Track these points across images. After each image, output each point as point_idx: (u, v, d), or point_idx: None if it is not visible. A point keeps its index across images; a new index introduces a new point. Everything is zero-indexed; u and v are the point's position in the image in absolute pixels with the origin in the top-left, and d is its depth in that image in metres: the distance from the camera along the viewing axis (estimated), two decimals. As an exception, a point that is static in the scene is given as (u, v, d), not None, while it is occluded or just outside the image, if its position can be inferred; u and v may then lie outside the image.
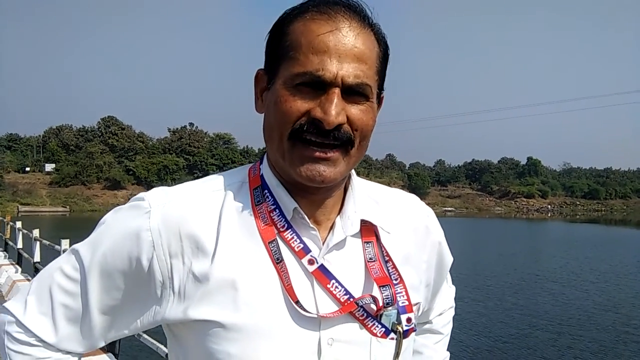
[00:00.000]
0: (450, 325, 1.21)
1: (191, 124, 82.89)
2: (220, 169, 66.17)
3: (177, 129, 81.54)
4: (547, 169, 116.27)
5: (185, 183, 0.93)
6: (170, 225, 0.84)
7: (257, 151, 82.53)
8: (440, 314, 1.17)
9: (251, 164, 0.96)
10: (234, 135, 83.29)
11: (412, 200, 1.04)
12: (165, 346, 3.44)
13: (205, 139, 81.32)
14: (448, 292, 1.18)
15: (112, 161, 73.89)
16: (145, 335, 3.59)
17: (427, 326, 1.16)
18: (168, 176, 67.93)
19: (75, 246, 0.89)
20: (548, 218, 73.50)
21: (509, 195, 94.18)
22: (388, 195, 1.01)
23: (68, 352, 0.91)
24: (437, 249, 1.03)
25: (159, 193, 0.89)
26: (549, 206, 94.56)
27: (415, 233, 0.99)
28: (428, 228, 1.01)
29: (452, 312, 1.22)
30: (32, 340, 0.87)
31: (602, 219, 73.13)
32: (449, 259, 1.08)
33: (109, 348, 5.19)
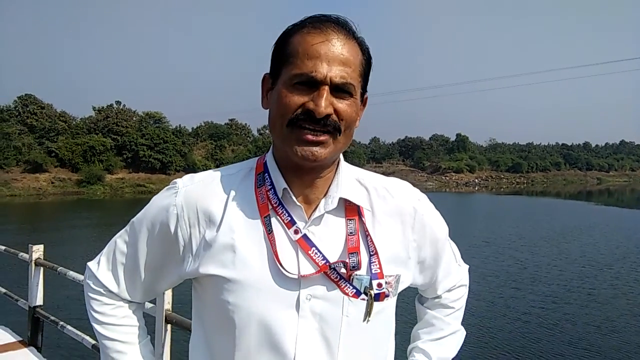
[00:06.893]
0: (462, 302, 1.33)
1: (118, 102, 77.97)
2: (151, 149, 63.27)
3: (103, 107, 76.56)
4: (475, 145, 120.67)
5: (211, 170, 1.16)
6: (190, 202, 1.07)
7: (190, 130, 79.80)
8: (450, 290, 1.30)
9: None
10: (165, 114, 79.47)
11: (402, 185, 1.17)
12: (91, 337, 3.12)
13: (134, 118, 76.97)
14: (456, 270, 1.30)
15: (32, 142, 68.47)
16: (69, 327, 3.20)
17: (437, 300, 1.30)
18: (95, 157, 62.76)
19: (133, 219, 1.16)
20: (475, 191, 76.88)
21: (439, 170, 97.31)
22: (379, 181, 1.15)
23: (129, 301, 1.20)
24: (427, 229, 1.16)
25: (187, 177, 1.13)
26: (476, 180, 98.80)
27: (402, 214, 1.12)
28: (416, 210, 1.14)
29: (463, 290, 1.34)
30: (102, 290, 1.17)
31: (525, 191, 77.52)
32: (440, 233, 1.19)
33: (31, 341, 4.71)
